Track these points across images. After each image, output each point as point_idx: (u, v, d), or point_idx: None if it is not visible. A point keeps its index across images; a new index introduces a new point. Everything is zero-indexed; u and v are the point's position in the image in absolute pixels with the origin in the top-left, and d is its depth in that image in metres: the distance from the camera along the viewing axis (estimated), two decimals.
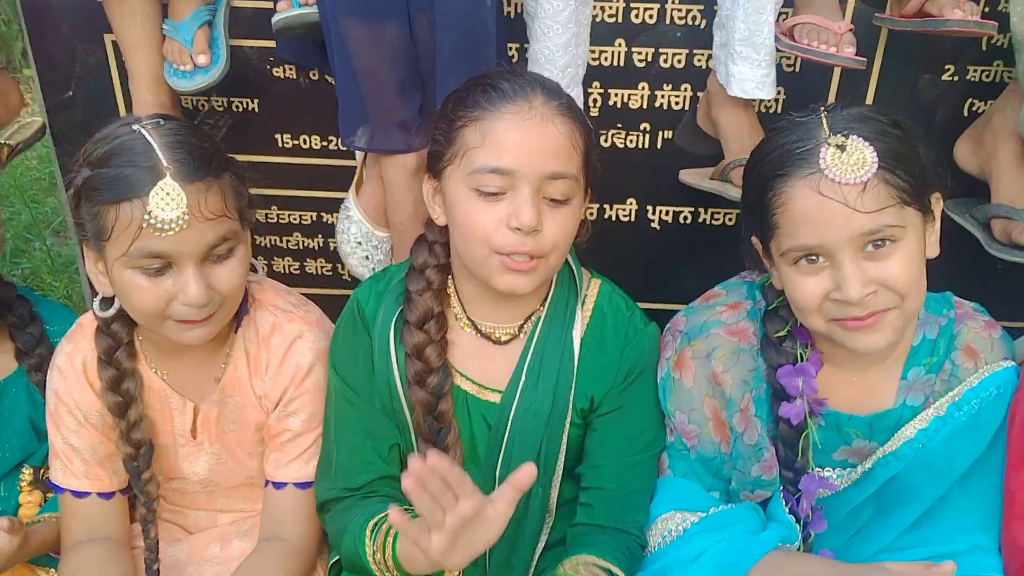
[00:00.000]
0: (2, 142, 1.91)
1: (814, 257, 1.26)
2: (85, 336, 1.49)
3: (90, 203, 1.31)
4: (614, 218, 2.08)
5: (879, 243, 1.23)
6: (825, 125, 1.24)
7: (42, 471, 1.67)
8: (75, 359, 1.48)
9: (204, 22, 1.73)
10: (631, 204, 2.07)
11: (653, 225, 2.09)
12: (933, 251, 1.32)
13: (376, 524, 1.37)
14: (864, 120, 1.25)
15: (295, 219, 2.14)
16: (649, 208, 2.07)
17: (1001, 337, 1.43)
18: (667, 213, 2.08)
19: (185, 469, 1.56)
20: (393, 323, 1.44)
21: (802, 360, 1.37)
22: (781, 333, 1.40)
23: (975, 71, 1.88)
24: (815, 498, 1.46)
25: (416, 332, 1.41)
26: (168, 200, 1.27)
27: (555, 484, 1.48)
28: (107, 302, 1.42)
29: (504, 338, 1.46)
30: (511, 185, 1.28)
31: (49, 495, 1.65)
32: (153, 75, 1.74)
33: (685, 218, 2.08)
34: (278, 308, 1.53)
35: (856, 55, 1.60)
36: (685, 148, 1.97)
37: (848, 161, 1.20)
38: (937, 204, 1.31)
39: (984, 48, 1.84)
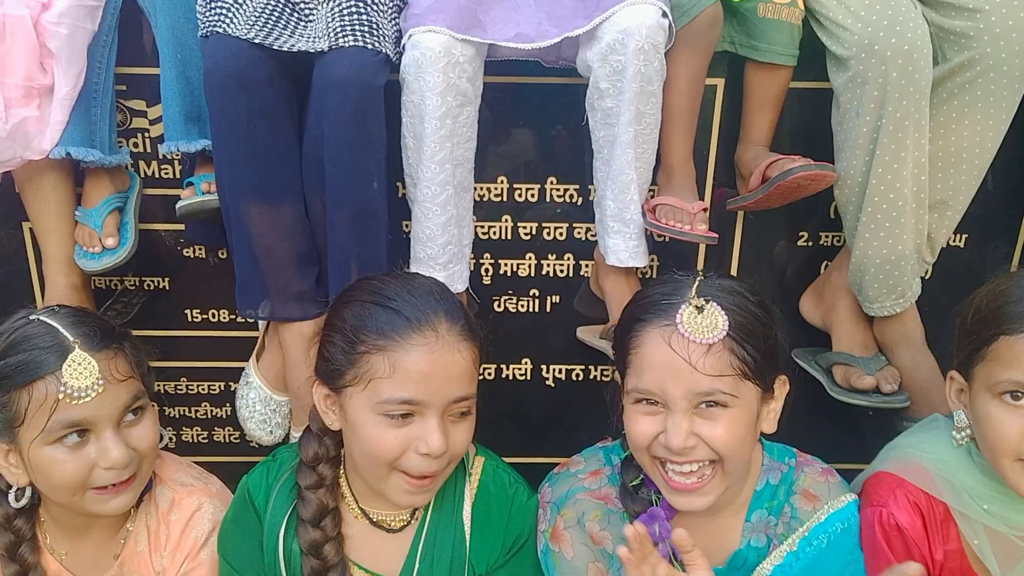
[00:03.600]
0: None
1: (653, 401, 1.38)
2: None
3: (0, 392, 1.39)
4: (511, 377, 2.20)
5: (711, 404, 1.35)
6: (694, 288, 1.38)
7: None
8: None
9: (114, 208, 1.86)
10: (526, 363, 2.19)
11: (548, 383, 2.21)
12: (769, 427, 1.45)
13: None
14: (730, 292, 1.39)
15: (203, 389, 2.21)
16: (543, 367, 2.20)
17: (839, 482, 1.56)
18: (560, 371, 2.20)
19: None
20: (286, 519, 1.50)
21: (656, 505, 1.48)
22: (635, 482, 1.51)
23: (826, 236, 2.08)
24: None
25: (312, 530, 1.47)
26: (81, 369, 1.37)
27: None
28: (20, 493, 1.47)
29: (397, 526, 1.53)
30: (419, 412, 1.37)
31: None
32: (65, 257, 1.85)
33: (577, 375, 2.21)
34: (178, 483, 1.60)
35: (708, 232, 1.79)
36: (583, 312, 2.12)
37: (701, 323, 1.34)
38: (781, 387, 1.45)
39: (832, 216, 2.05)
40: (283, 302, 1.78)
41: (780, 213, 2.04)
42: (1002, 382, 1.39)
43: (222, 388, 2.21)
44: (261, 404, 1.91)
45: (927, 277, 2.02)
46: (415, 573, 1.51)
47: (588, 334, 2.06)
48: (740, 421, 1.38)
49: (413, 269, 1.81)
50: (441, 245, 1.77)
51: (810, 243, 2.09)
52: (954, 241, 2.05)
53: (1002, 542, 1.50)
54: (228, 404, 2.22)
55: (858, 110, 1.73)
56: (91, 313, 1.53)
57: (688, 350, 1.34)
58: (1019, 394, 1.38)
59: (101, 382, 1.38)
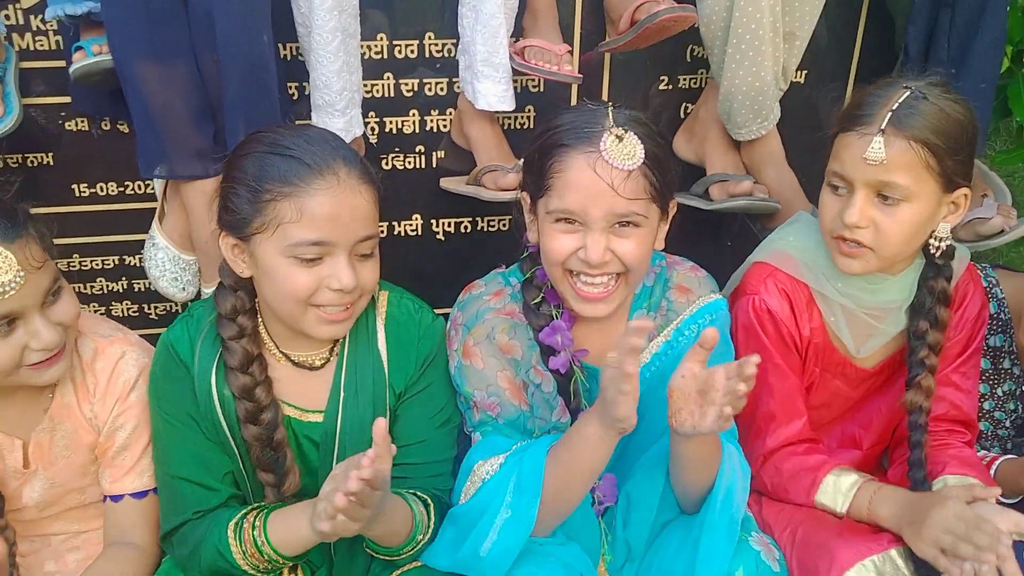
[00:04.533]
0: None
1: (573, 221, 1.52)
2: None
3: None
4: (403, 234, 2.31)
5: (624, 224, 1.51)
6: (611, 116, 1.49)
7: None
8: None
9: None
10: (416, 219, 2.31)
11: (438, 236, 2.34)
12: (660, 244, 1.63)
13: (237, 524, 1.53)
14: (640, 123, 1.52)
15: (97, 265, 2.23)
16: (433, 221, 2.32)
17: (707, 276, 1.76)
18: (449, 224, 2.33)
19: (24, 497, 1.64)
20: (214, 367, 1.58)
21: (556, 319, 1.64)
22: (537, 300, 1.66)
23: (684, 79, 2.27)
24: None
25: (241, 376, 1.55)
26: (3, 270, 1.39)
27: None
28: None
29: (319, 363, 1.64)
30: (328, 252, 1.46)
31: None
32: None
33: (465, 227, 2.34)
34: (98, 335, 1.66)
35: (574, 72, 1.93)
36: (447, 164, 2.24)
37: (623, 151, 1.47)
38: (672, 208, 1.61)
39: (689, 60, 2.23)
40: (183, 160, 1.82)
41: (642, 59, 2.20)
42: (829, 172, 1.63)
43: (116, 262, 2.23)
44: (170, 263, 1.96)
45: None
46: (341, 402, 1.62)
47: (453, 183, 2.18)
48: (647, 239, 1.55)
49: (314, 117, 1.89)
50: (337, 91, 1.85)
51: (671, 86, 2.27)
52: (797, 78, 2.27)
53: (855, 320, 1.76)
54: (124, 278, 2.25)
55: None
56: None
57: (611, 175, 1.47)
58: (836, 185, 1.62)
59: (21, 274, 1.41)
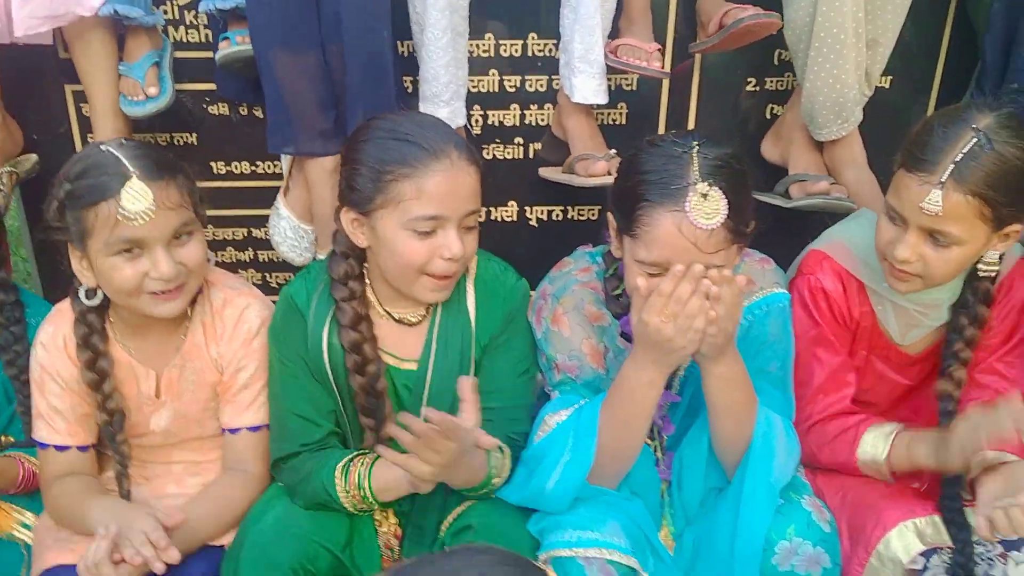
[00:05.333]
0: (11, 170, 2.21)
1: (656, 271, 1.61)
2: (65, 319, 1.81)
3: (73, 210, 1.65)
4: (499, 219, 2.51)
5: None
6: (696, 166, 1.55)
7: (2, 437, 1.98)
8: (57, 338, 1.80)
9: (153, 63, 2.12)
10: (512, 206, 2.50)
11: (531, 223, 2.53)
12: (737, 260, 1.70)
13: (344, 467, 1.75)
14: (723, 169, 1.57)
15: (228, 236, 2.50)
16: (527, 209, 2.51)
17: (774, 269, 1.88)
18: (543, 212, 2.52)
19: (152, 424, 1.88)
20: (327, 322, 1.80)
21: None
22: (617, 292, 1.82)
23: (771, 82, 2.40)
24: (663, 409, 1.89)
25: (351, 332, 1.77)
26: (137, 196, 1.62)
27: None
28: (91, 292, 1.75)
29: (415, 320, 1.84)
30: (440, 225, 1.66)
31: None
32: (111, 106, 2.11)
33: (557, 215, 2.52)
34: (227, 287, 1.89)
35: (661, 68, 2.10)
36: (545, 155, 2.42)
37: (706, 209, 1.55)
38: (752, 229, 1.68)
39: (776, 63, 2.36)
40: (308, 139, 2.06)
41: (730, 62, 2.35)
42: (887, 204, 1.72)
43: (245, 234, 2.50)
44: (292, 232, 2.20)
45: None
46: (432, 353, 1.83)
47: (550, 172, 2.36)
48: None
49: (421, 107, 2.10)
50: (444, 84, 2.06)
51: (758, 88, 2.40)
52: (882, 83, 2.37)
53: (901, 311, 1.86)
54: (250, 248, 2.52)
55: None
56: (152, 146, 1.80)
57: (695, 235, 1.56)
58: (892, 216, 1.70)
59: (153, 208, 1.64)
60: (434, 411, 1.53)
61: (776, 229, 2.17)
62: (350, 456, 1.77)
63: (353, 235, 1.74)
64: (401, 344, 1.84)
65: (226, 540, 1.79)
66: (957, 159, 1.58)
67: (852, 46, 2.05)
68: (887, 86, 2.40)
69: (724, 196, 1.54)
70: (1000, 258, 1.75)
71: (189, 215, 1.72)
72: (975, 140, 1.59)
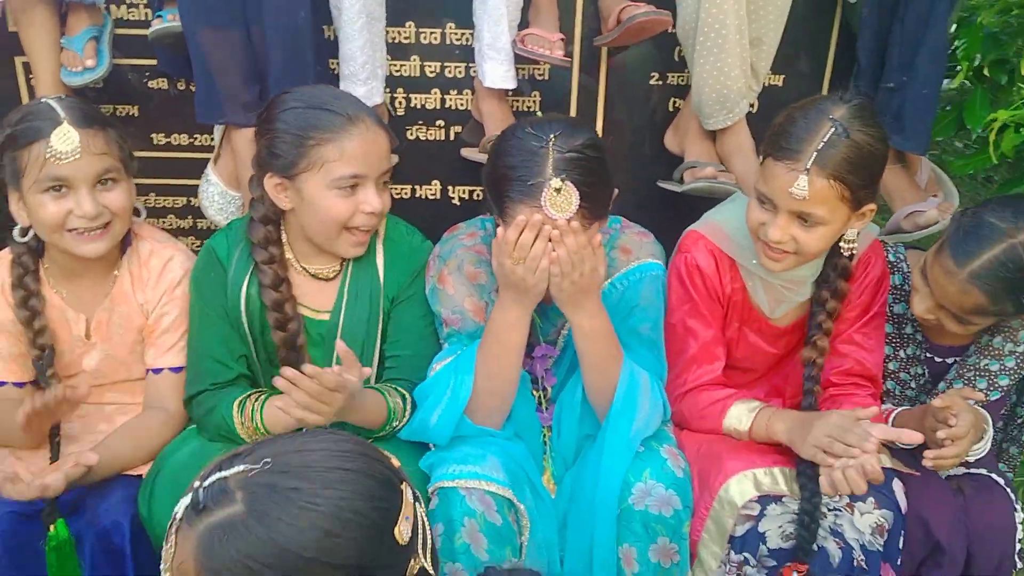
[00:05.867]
0: None
1: None
2: (3, 266, 2.00)
3: (10, 151, 1.85)
4: (424, 197, 2.68)
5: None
6: (551, 161, 1.75)
7: None
8: None
9: (92, 37, 2.29)
10: (435, 185, 2.68)
11: (454, 201, 2.70)
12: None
13: (241, 403, 1.93)
14: (578, 159, 1.76)
15: (169, 204, 2.67)
16: (450, 188, 2.69)
17: (652, 242, 2.08)
18: (464, 191, 2.69)
19: (84, 364, 2.06)
20: (247, 277, 1.99)
21: None
22: None
23: (673, 76, 2.58)
24: (547, 362, 2.07)
25: (272, 292, 1.97)
26: (64, 138, 1.83)
27: (375, 362, 2.07)
28: (23, 231, 1.94)
29: (331, 275, 2.04)
30: (361, 183, 1.88)
31: None
32: (53, 76, 2.28)
33: (477, 195, 2.70)
34: (154, 239, 2.09)
35: (564, 56, 2.29)
36: (467, 137, 2.60)
37: (560, 203, 1.75)
38: (612, 201, 1.89)
39: (676, 59, 2.54)
40: (233, 110, 2.24)
41: (635, 57, 2.53)
42: (756, 189, 1.89)
43: (184, 203, 2.67)
44: (220, 197, 2.38)
45: (754, 111, 2.51)
46: (344, 304, 2.03)
47: (470, 152, 2.55)
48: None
49: (342, 84, 2.28)
50: (360, 64, 2.25)
51: (661, 82, 2.59)
52: (774, 80, 2.55)
53: (770, 287, 2.05)
54: (189, 216, 2.69)
55: None
56: (88, 103, 1.99)
57: (551, 223, 1.76)
58: (763, 201, 1.87)
59: (79, 151, 1.83)
60: (342, 345, 1.76)
61: (673, 213, 2.37)
62: (247, 393, 1.95)
63: (277, 199, 1.93)
64: (316, 297, 2.04)
65: (143, 470, 1.96)
66: (819, 147, 1.76)
67: (735, 43, 2.24)
68: (780, 84, 2.58)
69: (577, 188, 1.74)
70: (858, 235, 1.93)
71: (114, 163, 1.90)
72: (833, 130, 1.77)
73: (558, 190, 1.74)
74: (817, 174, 1.77)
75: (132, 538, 1.87)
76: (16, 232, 1.95)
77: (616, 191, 1.91)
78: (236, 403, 1.93)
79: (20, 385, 2.03)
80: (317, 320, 2.04)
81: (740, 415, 1.98)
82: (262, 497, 1.02)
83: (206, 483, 1.05)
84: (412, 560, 1.14)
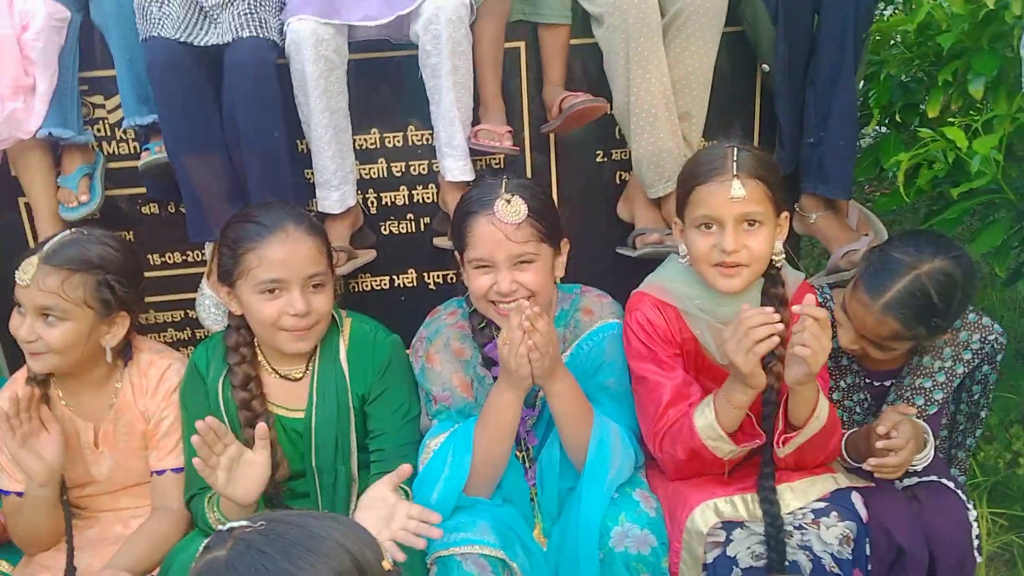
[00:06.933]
0: None
1: (485, 265, 2.09)
2: (19, 385, 2.18)
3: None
4: (401, 285, 2.89)
5: (523, 261, 2.08)
6: (503, 187, 2.08)
7: None
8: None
9: (85, 174, 2.54)
10: (412, 273, 2.89)
11: (430, 287, 2.91)
12: (560, 273, 2.18)
13: (210, 499, 2.11)
14: (526, 187, 2.12)
15: (167, 318, 2.88)
16: (425, 274, 2.90)
17: (611, 302, 2.30)
18: (439, 276, 2.90)
19: (93, 472, 2.24)
20: (221, 380, 2.19)
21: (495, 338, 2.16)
22: (481, 324, 2.23)
23: (616, 152, 2.82)
24: (528, 423, 2.26)
25: (241, 392, 2.17)
26: (24, 269, 2.05)
27: (353, 458, 2.24)
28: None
29: (298, 376, 2.24)
30: (284, 287, 2.08)
31: None
32: (51, 212, 2.52)
33: (451, 278, 2.91)
34: (153, 351, 2.29)
35: (512, 146, 2.54)
36: (437, 226, 2.83)
37: (510, 210, 2.05)
38: (564, 246, 2.18)
39: (617, 137, 2.79)
40: (220, 227, 2.45)
41: (580, 137, 2.78)
42: (697, 217, 2.11)
43: (182, 316, 2.88)
44: (215, 308, 2.59)
45: None
46: (314, 404, 2.21)
47: (441, 241, 2.77)
48: (542, 269, 2.11)
49: (317, 192, 2.52)
50: (332, 172, 2.49)
51: (606, 159, 2.83)
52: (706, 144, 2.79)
53: (717, 331, 2.20)
54: (188, 327, 2.89)
55: (615, 51, 2.47)
56: (90, 243, 2.13)
57: (505, 229, 2.05)
58: (707, 224, 2.09)
59: (28, 283, 2.02)
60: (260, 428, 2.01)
61: (632, 276, 2.58)
62: (209, 494, 2.12)
63: (229, 305, 2.15)
64: (288, 397, 2.23)
65: (156, 571, 2.12)
66: (735, 158, 2.04)
67: (665, 118, 2.49)
68: None
69: (525, 202, 2.04)
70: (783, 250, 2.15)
71: (63, 304, 2.05)
72: (736, 148, 2.07)
73: (508, 201, 2.06)
74: (744, 176, 2.02)
75: None
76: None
77: (567, 243, 2.19)
78: (207, 499, 2.12)
79: (21, 495, 2.15)
80: (291, 419, 2.22)
81: (703, 411, 2.06)
82: (239, 551, 1.22)
83: (222, 529, 1.24)
84: None
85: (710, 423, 2.04)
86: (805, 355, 1.88)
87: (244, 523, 1.25)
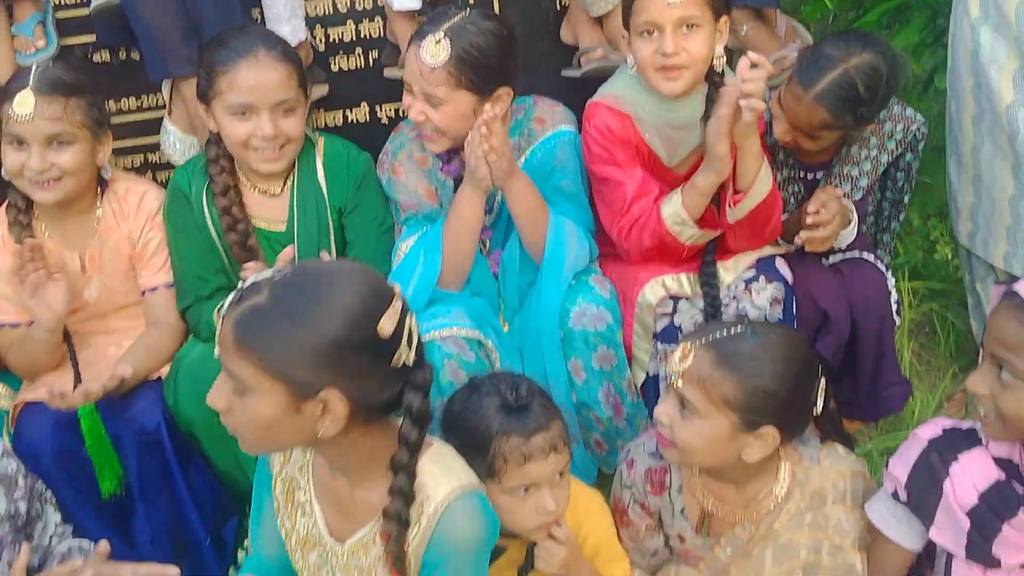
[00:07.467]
0: None
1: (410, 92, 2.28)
2: (2, 221, 2.30)
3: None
4: (355, 120, 2.98)
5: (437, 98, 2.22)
6: (450, 22, 2.20)
7: None
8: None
9: (38, 21, 2.58)
10: (364, 107, 2.99)
11: (383, 121, 3.01)
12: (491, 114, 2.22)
13: (219, 308, 2.21)
14: (469, 32, 2.19)
15: (127, 164, 2.95)
16: (378, 107, 2.99)
17: (563, 109, 2.45)
18: (392, 110, 3.00)
19: (84, 296, 2.37)
20: (204, 193, 2.33)
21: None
22: None
23: None
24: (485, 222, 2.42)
25: (221, 199, 2.31)
26: (22, 102, 2.13)
27: None
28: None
29: (277, 192, 2.39)
30: (253, 110, 2.20)
31: None
32: (10, 61, 2.57)
33: (403, 112, 3.00)
34: (127, 179, 2.43)
35: None
36: (386, 60, 2.91)
37: (431, 51, 2.19)
38: (504, 95, 2.28)
39: None
40: (178, 65, 2.52)
41: None
42: (639, 24, 2.24)
43: (142, 160, 2.95)
44: (179, 143, 2.69)
45: None
46: (295, 218, 2.38)
47: (392, 71, 2.85)
48: (450, 112, 2.24)
49: (268, 26, 2.57)
50: (282, 5, 2.56)
51: None
52: None
53: (666, 137, 2.38)
54: (149, 171, 2.96)
55: None
56: (67, 69, 2.30)
57: (421, 68, 2.20)
58: (650, 31, 2.23)
59: (31, 114, 2.12)
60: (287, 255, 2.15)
61: (579, 97, 2.70)
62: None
63: (207, 122, 2.28)
64: (270, 211, 2.40)
65: (162, 372, 2.31)
66: None
67: None
68: None
69: (451, 48, 2.15)
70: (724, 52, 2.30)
71: (68, 128, 2.18)
72: None
73: (437, 42, 2.16)
74: None
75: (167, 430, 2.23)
76: (3, 174, 2.28)
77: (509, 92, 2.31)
78: (216, 310, 2.24)
79: (31, 324, 2.29)
80: (273, 232, 2.40)
81: (670, 199, 2.26)
82: (277, 289, 1.44)
83: (246, 284, 1.41)
84: (397, 352, 1.50)
85: (676, 210, 2.24)
86: (749, 91, 2.04)
87: (269, 274, 1.44)
